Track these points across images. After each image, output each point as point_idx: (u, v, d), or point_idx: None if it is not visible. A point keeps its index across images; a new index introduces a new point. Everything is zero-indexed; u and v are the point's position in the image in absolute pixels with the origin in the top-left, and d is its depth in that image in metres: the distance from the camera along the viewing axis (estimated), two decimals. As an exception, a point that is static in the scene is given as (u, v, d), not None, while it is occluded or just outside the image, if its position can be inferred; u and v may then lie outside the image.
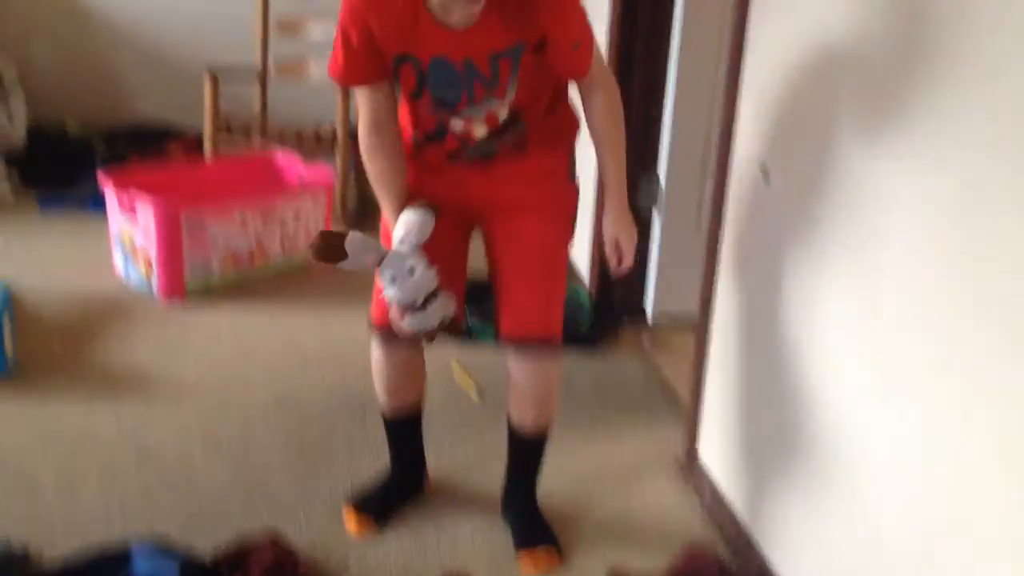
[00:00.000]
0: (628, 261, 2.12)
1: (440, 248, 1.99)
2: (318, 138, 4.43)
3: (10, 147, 4.61)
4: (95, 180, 3.71)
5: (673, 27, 3.23)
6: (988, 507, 1.41)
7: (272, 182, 4.09)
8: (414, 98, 1.98)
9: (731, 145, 2.30)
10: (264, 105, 4.70)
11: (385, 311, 2.08)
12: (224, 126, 4.38)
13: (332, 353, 3.14)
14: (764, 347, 2.15)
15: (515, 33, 1.85)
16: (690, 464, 2.54)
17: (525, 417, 2.20)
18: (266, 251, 3.71)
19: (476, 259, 2.19)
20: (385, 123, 2.01)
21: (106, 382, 2.88)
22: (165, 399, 2.80)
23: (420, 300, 1.93)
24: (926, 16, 1.55)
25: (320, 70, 4.65)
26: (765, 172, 2.12)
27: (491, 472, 2.40)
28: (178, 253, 3.45)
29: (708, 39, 3.16)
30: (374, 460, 2.49)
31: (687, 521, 2.38)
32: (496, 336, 2.13)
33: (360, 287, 3.69)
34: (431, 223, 1.95)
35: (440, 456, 2.56)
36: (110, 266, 3.68)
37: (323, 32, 4.61)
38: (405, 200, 2.01)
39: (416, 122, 2.04)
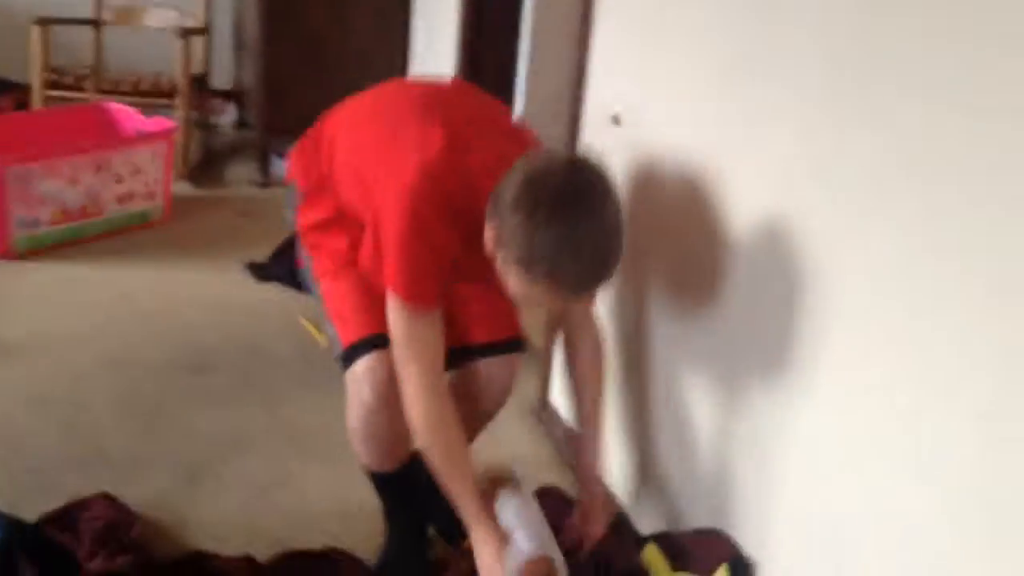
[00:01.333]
0: (601, 530, 1.83)
1: None
2: (157, 89, 4.23)
3: None
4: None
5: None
6: None
7: (106, 134, 3.88)
8: None
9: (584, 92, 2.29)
10: (98, 54, 4.47)
11: (373, 320, 1.69)
12: (56, 79, 4.14)
13: (168, 308, 3.01)
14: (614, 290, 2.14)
15: None
16: (542, 407, 2.52)
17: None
18: (100, 205, 3.51)
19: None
20: (441, 363, 1.66)
21: (-77, 343, 2.69)
22: (-12, 358, 2.62)
23: None
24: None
25: (157, 18, 4.45)
26: (616, 118, 2.11)
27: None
28: (4, 208, 3.23)
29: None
30: (213, 417, 2.41)
31: (541, 462, 2.37)
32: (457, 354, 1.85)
33: (200, 242, 3.59)
34: (532, 499, 1.67)
35: (294, 404, 2.48)
36: (-73, 223, 3.43)
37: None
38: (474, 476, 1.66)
39: None
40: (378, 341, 1.70)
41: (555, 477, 2.29)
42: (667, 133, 1.90)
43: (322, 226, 1.87)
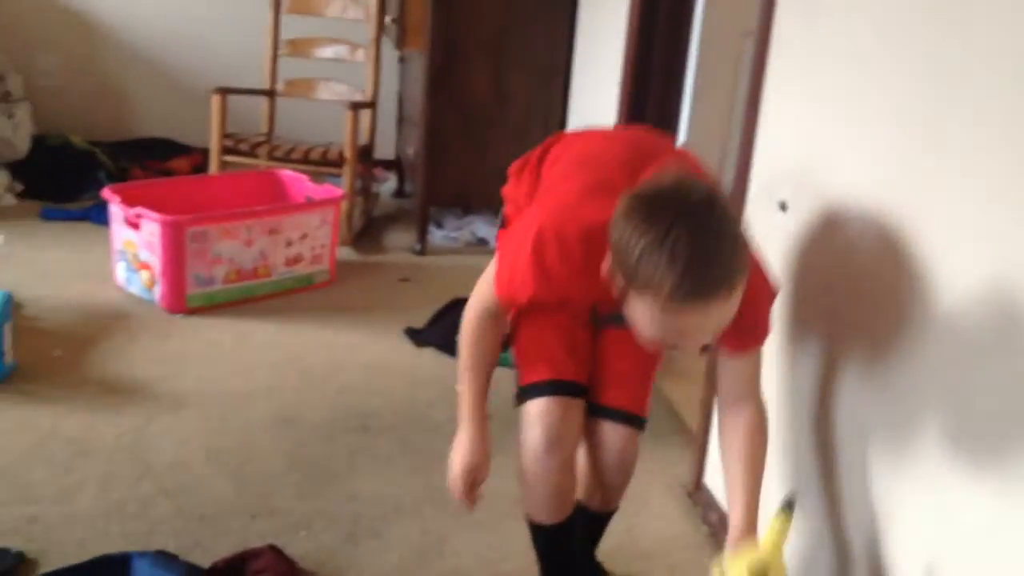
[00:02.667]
0: None
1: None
2: (326, 158, 4.43)
3: (14, 157, 4.61)
4: (98, 191, 3.71)
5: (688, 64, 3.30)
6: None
7: (278, 199, 4.10)
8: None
9: (747, 180, 2.30)
10: (271, 123, 4.71)
11: (557, 362, 1.82)
12: (232, 145, 4.37)
13: (332, 370, 3.12)
14: (778, 372, 2.13)
15: None
16: (697, 489, 2.51)
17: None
18: (270, 267, 3.69)
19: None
20: (503, 317, 1.84)
21: (106, 391, 2.85)
22: (165, 410, 2.76)
23: None
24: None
25: (328, 91, 4.67)
26: (783, 205, 2.11)
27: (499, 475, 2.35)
28: (181, 266, 3.43)
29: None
30: (374, 478, 2.48)
31: (694, 544, 2.35)
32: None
33: (361, 305, 3.72)
34: None
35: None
36: (112, 276, 3.66)
37: (332, 52, 4.64)
38: (484, 400, 1.84)
39: None
40: (559, 388, 1.79)
41: (708, 561, 2.27)
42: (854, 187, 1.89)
43: None
